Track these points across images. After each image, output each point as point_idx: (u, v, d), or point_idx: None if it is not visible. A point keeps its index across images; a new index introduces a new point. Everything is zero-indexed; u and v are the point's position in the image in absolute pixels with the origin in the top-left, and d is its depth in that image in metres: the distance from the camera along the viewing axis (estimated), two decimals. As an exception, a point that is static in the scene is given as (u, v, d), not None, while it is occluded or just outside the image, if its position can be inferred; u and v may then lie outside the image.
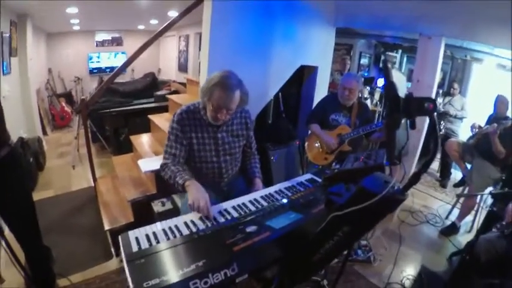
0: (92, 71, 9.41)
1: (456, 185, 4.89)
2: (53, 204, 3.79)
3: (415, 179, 1.07)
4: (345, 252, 2.18)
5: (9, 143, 2.05)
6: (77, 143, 5.25)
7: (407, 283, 2.75)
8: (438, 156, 5.14)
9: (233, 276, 1.18)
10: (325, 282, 2.51)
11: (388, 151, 1.06)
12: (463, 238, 3.45)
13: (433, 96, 3.54)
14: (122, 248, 1.35)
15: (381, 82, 5.83)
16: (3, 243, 1.90)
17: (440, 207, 4.18)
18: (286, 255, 1.33)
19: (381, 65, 7.48)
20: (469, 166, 3.77)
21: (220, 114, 1.87)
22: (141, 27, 9.18)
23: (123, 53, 9.74)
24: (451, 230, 3.56)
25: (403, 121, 1.07)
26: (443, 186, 4.94)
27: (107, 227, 2.82)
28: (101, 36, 9.44)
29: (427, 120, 3.31)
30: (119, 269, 2.78)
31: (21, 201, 2.17)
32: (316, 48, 3.91)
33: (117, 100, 5.48)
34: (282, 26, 3.38)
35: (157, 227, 1.50)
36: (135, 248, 1.34)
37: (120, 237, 1.41)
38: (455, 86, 5.06)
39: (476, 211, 3.56)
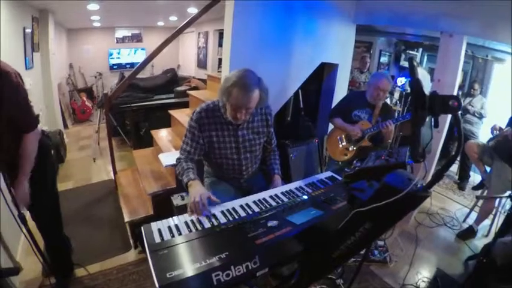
0: (112, 67, 9.54)
1: (475, 188, 4.80)
2: (73, 196, 3.88)
3: (438, 176, 1.07)
4: (363, 252, 2.18)
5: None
6: (98, 136, 5.36)
7: (422, 285, 2.73)
8: (457, 158, 5.06)
9: (255, 269, 1.20)
10: (340, 281, 2.52)
11: (413, 148, 1.07)
12: (480, 242, 3.40)
13: (454, 96, 3.47)
14: (144, 238, 1.37)
15: (400, 81, 5.76)
16: (24, 230, 1.90)
17: (458, 210, 4.12)
18: (307, 251, 1.34)
19: (401, 63, 7.40)
20: (488, 169, 3.69)
21: (240, 114, 1.86)
22: (160, 23, 9.26)
23: (142, 49, 9.83)
24: (468, 233, 3.51)
25: (427, 119, 1.07)
26: (462, 188, 4.86)
27: (126, 218, 2.87)
28: (121, 33, 9.56)
29: (448, 120, 3.25)
30: (136, 260, 2.84)
31: (47, 190, 2.23)
32: (337, 45, 3.88)
33: (138, 95, 5.56)
34: (302, 23, 3.37)
35: (180, 219, 1.54)
36: (157, 239, 1.36)
37: (142, 228, 1.44)
38: (476, 86, 4.95)
39: (494, 215, 3.51)
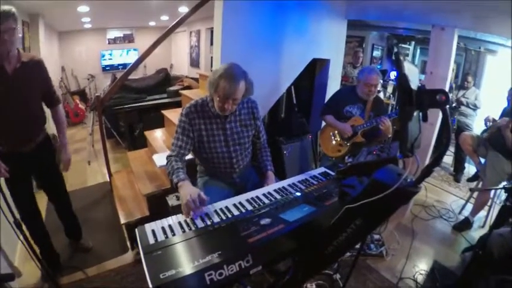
0: (104, 68, 9.52)
1: (470, 180, 4.82)
2: (69, 199, 3.86)
3: (427, 171, 1.07)
4: (358, 246, 2.19)
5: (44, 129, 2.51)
6: (92, 139, 5.34)
7: (419, 278, 2.74)
8: (452, 150, 5.07)
9: (248, 268, 1.20)
10: (337, 276, 2.53)
11: (401, 143, 1.07)
12: (476, 233, 3.41)
13: (447, 89, 3.48)
14: (138, 240, 1.36)
15: (393, 75, 5.78)
16: (21, 237, 1.94)
17: (454, 202, 4.14)
18: (300, 248, 1.34)
19: (393, 57, 7.41)
20: (482, 160, 3.70)
21: (227, 104, 1.93)
22: (152, 23, 9.24)
23: (135, 49, 9.83)
24: (464, 225, 3.52)
25: (415, 113, 1.07)
26: (457, 180, 4.88)
27: (123, 220, 2.86)
28: (112, 34, 9.54)
29: (441, 113, 3.25)
30: (134, 262, 2.84)
31: (54, 176, 2.68)
32: (328, 41, 3.88)
33: (130, 96, 5.52)
34: (293, 19, 3.36)
35: (173, 219, 1.53)
36: (151, 241, 1.36)
37: (137, 230, 1.43)
38: (469, 79, 4.96)
39: (490, 206, 3.52)
